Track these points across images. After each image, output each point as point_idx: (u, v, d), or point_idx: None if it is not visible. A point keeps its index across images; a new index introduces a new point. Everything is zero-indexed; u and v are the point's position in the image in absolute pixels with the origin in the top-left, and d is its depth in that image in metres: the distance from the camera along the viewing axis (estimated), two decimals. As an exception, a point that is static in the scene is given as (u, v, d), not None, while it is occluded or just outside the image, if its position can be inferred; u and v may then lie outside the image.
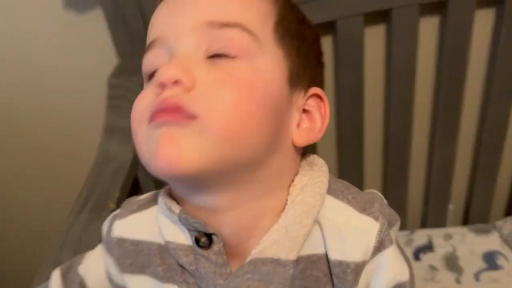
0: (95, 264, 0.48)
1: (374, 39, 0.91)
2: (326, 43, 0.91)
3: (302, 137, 0.40)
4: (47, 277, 0.52)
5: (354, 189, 0.41)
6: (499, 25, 0.88)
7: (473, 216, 1.09)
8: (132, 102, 0.79)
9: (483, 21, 0.89)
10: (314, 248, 0.39)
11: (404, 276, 0.38)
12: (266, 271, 0.37)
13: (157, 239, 0.43)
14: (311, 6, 0.82)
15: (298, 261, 0.38)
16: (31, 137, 0.99)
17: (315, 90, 0.42)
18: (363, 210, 0.39)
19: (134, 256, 0.44)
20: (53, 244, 0.59)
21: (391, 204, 0.41)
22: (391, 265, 0.38)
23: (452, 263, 1.00)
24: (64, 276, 0.49)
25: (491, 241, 1.04)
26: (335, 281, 0.38)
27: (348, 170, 1.01)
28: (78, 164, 0.93)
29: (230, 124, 0.35)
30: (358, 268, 0.38)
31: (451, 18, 0.86)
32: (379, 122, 1.00)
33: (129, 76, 0.82)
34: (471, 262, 1.00)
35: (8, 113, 0.96)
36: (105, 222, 0.48)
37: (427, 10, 0.87)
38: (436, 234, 1.05)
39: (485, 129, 0.99)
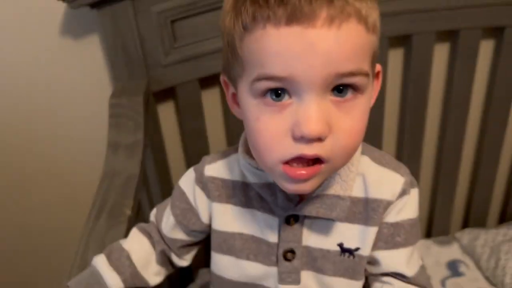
0: (137, 239, 0.60)
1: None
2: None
3: None
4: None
5: (388, 157, 0.56)
6: (453, 57, 1.02)
7: (436, 229, 1.20)
8: (132, 119, 0.85)
9: (441, 53, 1.02)
10: (356, 192, 0.53)
11: (415, 214, 0.55)
12: (329, 202, 0.52)
13: (239, 178, 0.56)
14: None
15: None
16: (35, 152, 1.01)
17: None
18: (394, 169, 0.54)
19: (221, 190, 0.57)
20: (79, 246, 0.62)
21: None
22: (409, 205, 0.54)
23: (420, 272, 1.10)
24: (109, 257, 0.57)
25: (453, 251, 1.14)
26: (371, 213, 0.53)
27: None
28: (81, 177, 0.97)
29: (349, 156, 0.47)
30: (388, 204, 0.53)
31: (414, 50, 0.99)
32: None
33: (129, 96, 0.87)
34: (436, 271, 1.09)
35: (11, 132, 0.98)
36: (191, 171, 0.60)
37: (394, 42, 0.99)
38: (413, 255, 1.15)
39: (443, 151, 1.12)
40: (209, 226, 0.59)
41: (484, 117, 1.10)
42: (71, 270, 0.59)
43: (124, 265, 0.57)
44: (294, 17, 0.40)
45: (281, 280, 0.55)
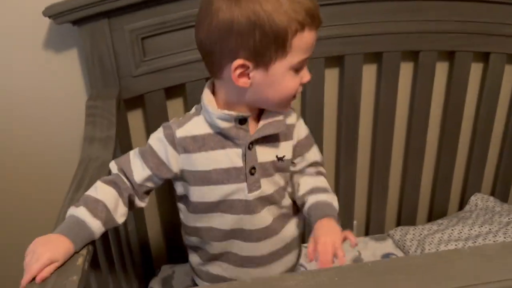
0: (106, 190, 0.75)
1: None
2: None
3: None
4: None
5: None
6: (379, 76, 1.22)
7: (372, 228, 1.37)
8: (106, 119, 0.99)
9: (369, 73, 1.22)
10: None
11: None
12: (275, 123, 0.79)
13: (207, 131, 0.77)
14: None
15: None
16: (22, 146, 1.14)
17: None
18: (292, 110, 0.85)
19: (193, 143, 0.77)
20: (60, 210, 0.73)
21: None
22: (303, 125, 0.86)
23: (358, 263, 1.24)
24: (87, 207, 0.71)
25: (387, 246, 1.31)
26: (287, 132, 0.82)
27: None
28: (57, 165, 1.10)
29: None
30: (293, 126, 0.83)
31: (347, 69, 1.18)
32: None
33: (104, 99, 1.01)
34: (373, 263, 1.25)
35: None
36: (160, 137, 0.78)
37: (329, 62, 1.18)
38: (345, 243, 1.30)
39: (375, 158, 1.30)
40: (178, 173, 0.79)
41: (408, 127, 1.29)
42: (55, 229, 0.70)
43: (102, 212, 0.71)
44: (318, 26, 0.72)
45: (249, 190, 0.79)
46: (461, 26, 1.19)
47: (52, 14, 0.98)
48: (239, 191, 0.79)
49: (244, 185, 0.79)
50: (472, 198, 1.38)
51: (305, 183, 0.86)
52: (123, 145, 1.07)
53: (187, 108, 1.15)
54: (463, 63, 1.24)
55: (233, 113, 0.75)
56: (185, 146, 0.77)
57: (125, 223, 1.07)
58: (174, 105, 1.16)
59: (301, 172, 0.87)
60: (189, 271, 1.01)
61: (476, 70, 1.27)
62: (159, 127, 1.13)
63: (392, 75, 1.21)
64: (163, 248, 1.31)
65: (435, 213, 1.39)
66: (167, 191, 1.20)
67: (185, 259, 1.29)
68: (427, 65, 1.22)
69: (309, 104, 1.20)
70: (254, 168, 0.78)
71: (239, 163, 0.78)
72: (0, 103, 1.09)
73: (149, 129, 1.14)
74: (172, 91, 1.13)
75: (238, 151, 0.77)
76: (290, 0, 0.68)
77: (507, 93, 1.32)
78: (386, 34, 1.16)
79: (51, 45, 1.06)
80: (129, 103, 1.12)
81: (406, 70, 1.23)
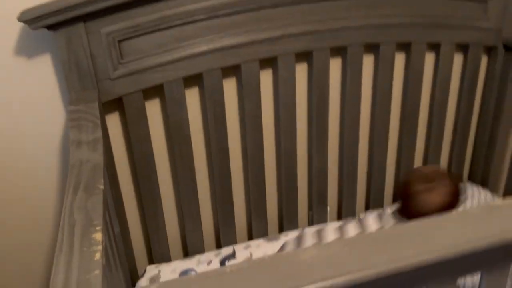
0: None
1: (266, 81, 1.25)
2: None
3: None
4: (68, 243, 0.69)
5: None
6: (345, 69, 1.30)
7: (345, 212, 1.44)
8: (90, 122, 0.99)
9: (336, 66, 1.30)
10: None
11: None
12: None
13: None
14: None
15: None
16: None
17: None
18: None
19: None
20: (64, 211, 0.74)
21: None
22: None
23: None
24: None
25: (360, 228, 1.39)
26: None
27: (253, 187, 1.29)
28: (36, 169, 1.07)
29: None
30: None
31: (315, 64, 1.25)
32: (273, 144, 1.32)
33: (86, 103, 1.01)
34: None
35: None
36: None
37: (299, 58, 1.24)
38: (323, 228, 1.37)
39: (344, 145, 1.37)
40: None
41: (372, 115, 1.38)
42: (60, 232, 0.70)
43: None
44: None
45: None
46: (415, 19, 1.29)
47: (27, 19, 0.97)
48: None
49: None
50: (432, 178, 1.50)
51: None
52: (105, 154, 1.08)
53: (164, 109, 1.17)
54: (418, 53, 1.34)
55: None
56: None
57: (112, 226, 1.08)
58: (152, 106, 1.17)
59: None
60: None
61: (430, 59, 1.38)
62: (138, 128, 1.16)
63: (356, 67, 1.29)
64: (144, 249, 1.32)
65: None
66: (148, 190, 1.22)
67: (168, 258, 1.31)
68: (387, 56, 1.31)
69: (282, 97, 1.25)
70: None
71: None
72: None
73: (129, 132, 1.15)
74: (150, 93, 1.15)
75: None
76: None
77: (457, 79, 1.44)
78: (349, 29, 1.23)
79: (23, 50, 1.05)
80: (107, 106, 1.12)
81: (368, 62, 1.32)
